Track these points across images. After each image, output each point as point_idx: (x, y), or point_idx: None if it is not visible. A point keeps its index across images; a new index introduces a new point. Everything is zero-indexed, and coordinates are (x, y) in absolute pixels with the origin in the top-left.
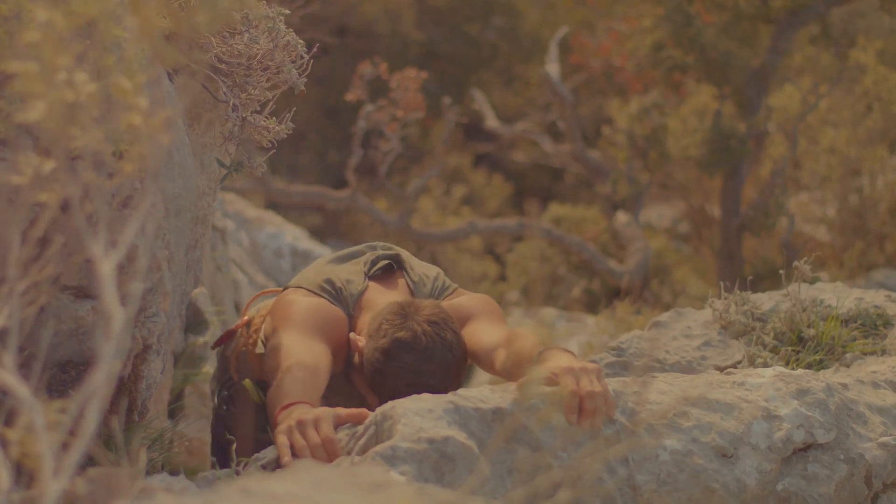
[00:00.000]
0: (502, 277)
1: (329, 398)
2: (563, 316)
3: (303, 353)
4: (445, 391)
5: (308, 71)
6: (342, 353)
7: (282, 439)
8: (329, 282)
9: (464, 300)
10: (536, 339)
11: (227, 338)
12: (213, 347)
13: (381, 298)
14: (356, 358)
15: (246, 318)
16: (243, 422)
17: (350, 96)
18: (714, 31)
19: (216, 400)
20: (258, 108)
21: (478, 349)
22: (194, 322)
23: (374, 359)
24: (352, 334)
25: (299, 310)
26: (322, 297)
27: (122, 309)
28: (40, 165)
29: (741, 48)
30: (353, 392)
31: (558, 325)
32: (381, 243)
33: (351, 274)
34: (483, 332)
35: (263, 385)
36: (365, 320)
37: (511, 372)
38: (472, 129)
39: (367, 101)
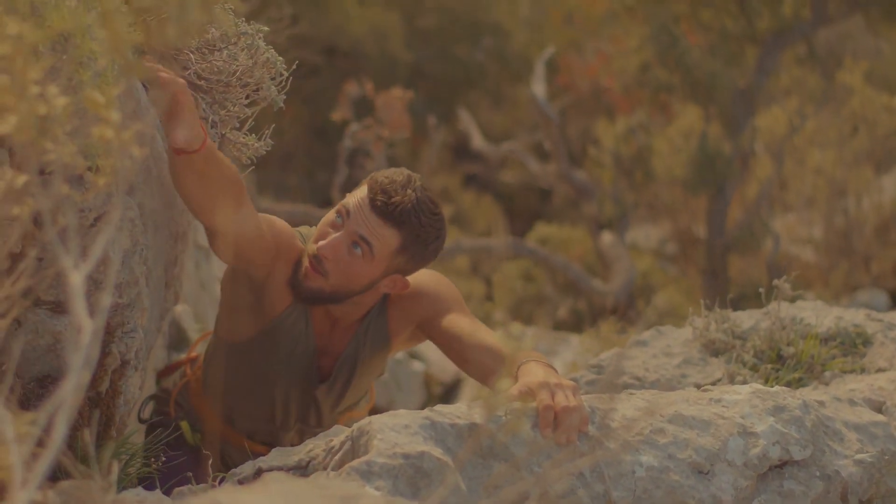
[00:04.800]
0: (489, 297)
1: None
2: (548, 335)
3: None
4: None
5: (287, 88)
6: (285, 260)
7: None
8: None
9: (429, 283)
10: (516, 351)
11: (170, 371)
12: (157, 377)
13: None
14: (307, 276)
15: (193, 354)
16: (177, 467)
17: (336, 116)
18: (700, 51)
19: (139, 417)
20: (237, 125)
21: (452, 342)
22: (177, 339)
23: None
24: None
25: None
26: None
27: (91, 321)
28: (13, 179)
29: (727, 69)
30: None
31: (536, 344)
32: None
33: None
34: (456, 325)
35: (198, 427)
36: None
37: (487, 379)
38: (462, 150)
39: (352, 120)
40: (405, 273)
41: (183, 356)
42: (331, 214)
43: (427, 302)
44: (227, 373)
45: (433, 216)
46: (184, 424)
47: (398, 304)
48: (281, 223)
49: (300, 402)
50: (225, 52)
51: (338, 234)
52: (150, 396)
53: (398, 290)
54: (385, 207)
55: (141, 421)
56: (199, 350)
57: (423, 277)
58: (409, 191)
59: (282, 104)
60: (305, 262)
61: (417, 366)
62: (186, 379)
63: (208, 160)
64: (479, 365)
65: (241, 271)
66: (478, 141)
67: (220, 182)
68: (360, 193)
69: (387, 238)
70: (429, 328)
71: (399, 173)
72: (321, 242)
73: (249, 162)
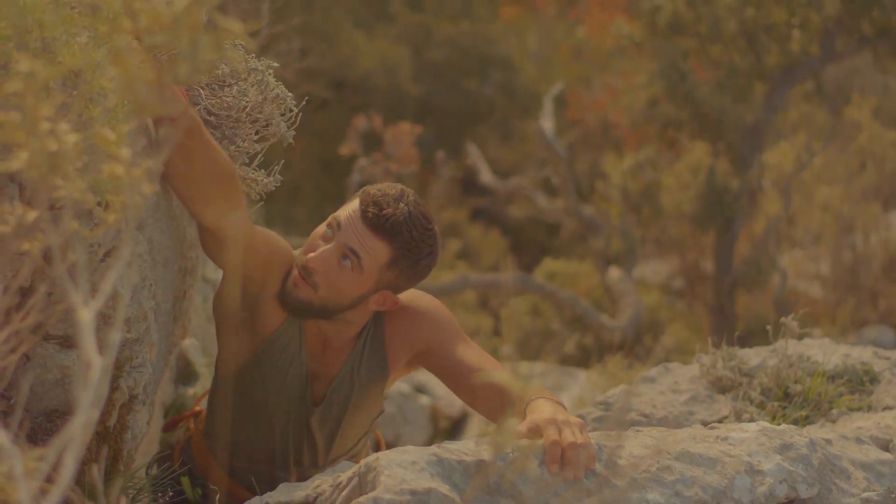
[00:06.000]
0: (496, 331)
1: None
2: (556, 370)
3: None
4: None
5: (297, 124)
6: (278, 273)
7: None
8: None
9: (428, 308)
10: (525, 389)
11: (173, 425)
12: (163, 430)
13: None
14: (295, 288)
15: (197, 408)
16: None
17: (344, 150)
18: (709, 87)
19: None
20: (247, 161)
21: (459, 374)
22: (184, 373)
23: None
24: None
25: None
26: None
27: (101, 357)
28: (23, 215)
29: (735, 105)
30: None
31: (544, 379)
32: None
33: None
34: (463, 356)
35: (202, 481)
36: None
37: (495, 415)
38: (470, 184)
39: (361, 154)
40: (396, 290)
41: (189, 392)
42: (322, 227)
43: (427, 327)
44: (226, 409)
45: (425, 231)
46: (184, 480)
47: (396, 328)
48: (277, 237)
49: (295, 433)
50: (235, 88)
51: (328, 245)
52: (157, 455)
53: (388, 307)
54: (376, 219)
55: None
56: (202, 405)
57: (421, 302)
58: (401, 204)
59: (291, 140)
60: (295, 272)
61: (424, 400)
62: (189, 433)
63: (192, 135)
64: (488, 401)
65: (231, 286)
66: (486, 175)
67: (207, 165)
68: (352, 206)
69: (377, 251)
70: (430, 357)
71: (392, 187)
72: (311, 254)
73: (259, 197)
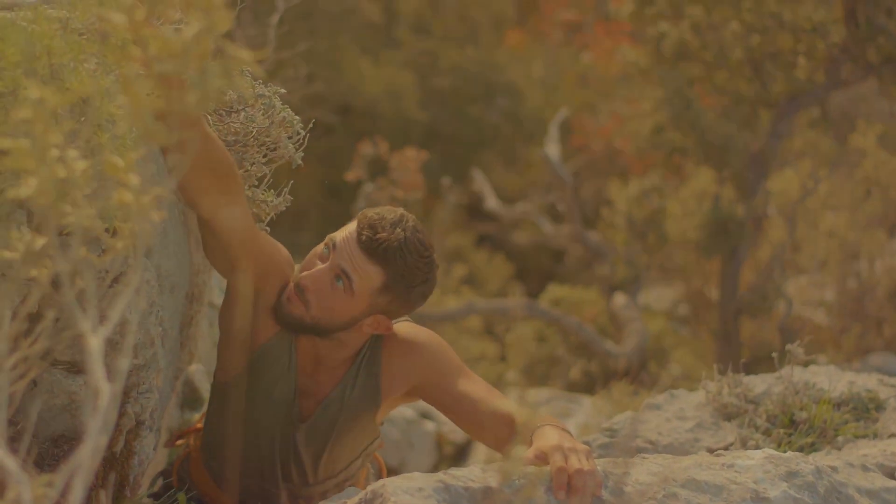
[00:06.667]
0: (501, 357)
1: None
2: (561, 396)
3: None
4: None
5: (305, 145)
6: (275, 284)
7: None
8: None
9: (428, 342)
10: (531, 416)
11: (173, 441)
12: (164, 446)
13: None
14: (289, 305)
15: (199, 425)
16: None
17: (350, 176)
18: (714, 114)
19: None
20: (256, 183)
21: (464, 407)
22: (191, 398)
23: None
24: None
25: None
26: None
27: (110, 384)
28: (32, 241)
29: (741, 132)
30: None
31: (549, 405)
32: None
33: None
34: (469, 389)
35: (195, 495)
36: None
37: (502, 446)
38: (475, 210)
39: (367, 180)
40: (390, 315)
41: (195, 417)
42: (319, 246)
43: (425, 361)
44: (220, 419)
45: (421, 258)
46: (180, 497)
47: (393, 358)
48: (279, 249)
49: (282, 448)
50: (242, 114)
51: (323, 265)
52: (160, 473)
53: (382, 331)
54: (370, 243)
55: (149, 495)
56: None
57: (420, 335)
58: (397, 229)
59: (300, 162)
60: (290, 288)
61: (429, 426)
62: (188, 450)
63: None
64: (496, 432)
65: (232, 293)
66: (491, 201)
67: (203, 154)
68: (350, 227)
69: (369, 275)
70: (429, 390)
71: (391, 211)
72: (305, 273)
73: (269, 218)
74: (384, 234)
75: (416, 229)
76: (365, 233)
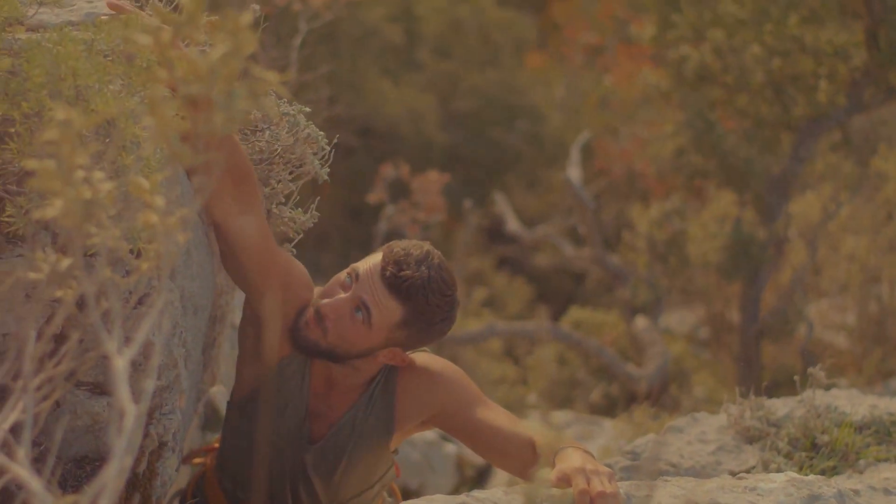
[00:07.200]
0: (522, 380)
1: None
2: (582, 419)
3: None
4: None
5: (330, 161)
6: (293, 305)
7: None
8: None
9: (446, 373)
10: (555, 439)
11: (190, 458)
12: (182, 462)
13: None
14: (307, 329)
15: (216, 444)
16: None
17: (372, 198)
18: (735, 137)
19: None
20: (283, 201)
21: (488, 436)
22: (212, 420)
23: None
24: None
25: None
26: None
27: (135, 405)
28: (57, 262)
29: (762, 155)
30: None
31: (570, 428)
32: None
33: None
34: (491, 418)
35: None
36: None
37: (525, 471)
38: (496, 232)
39: (388, 202)
40: (407, 347)
41: (216, 438)
42: (342, 274)
43: (442, 391)
44: (233, 437)
45: (443, 297)
46: None
47: (408, 388)
48: (299, 268)
49: (291, 470)
50: (267, 132)
51: (344, 295)
52: (178, 492)
53: (396, 363)
54: (393, 280)
55: None
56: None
57: (436, 365)
58: (422, 267)
59: (326, 177)
60: (309, 313)
61: (450, 448)
62: (204, 469)
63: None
64: (519, 457)
65: (249, 309)
66: (512, 224)
67: (223, 153)
68: (374, 260)
69: (390, 310)
70: (447, 419)
71: (417, 247)
72: (326, 300)
73: (295, 236)
74: (408, 272)
75: (440, 267)
76: (390, 269)
